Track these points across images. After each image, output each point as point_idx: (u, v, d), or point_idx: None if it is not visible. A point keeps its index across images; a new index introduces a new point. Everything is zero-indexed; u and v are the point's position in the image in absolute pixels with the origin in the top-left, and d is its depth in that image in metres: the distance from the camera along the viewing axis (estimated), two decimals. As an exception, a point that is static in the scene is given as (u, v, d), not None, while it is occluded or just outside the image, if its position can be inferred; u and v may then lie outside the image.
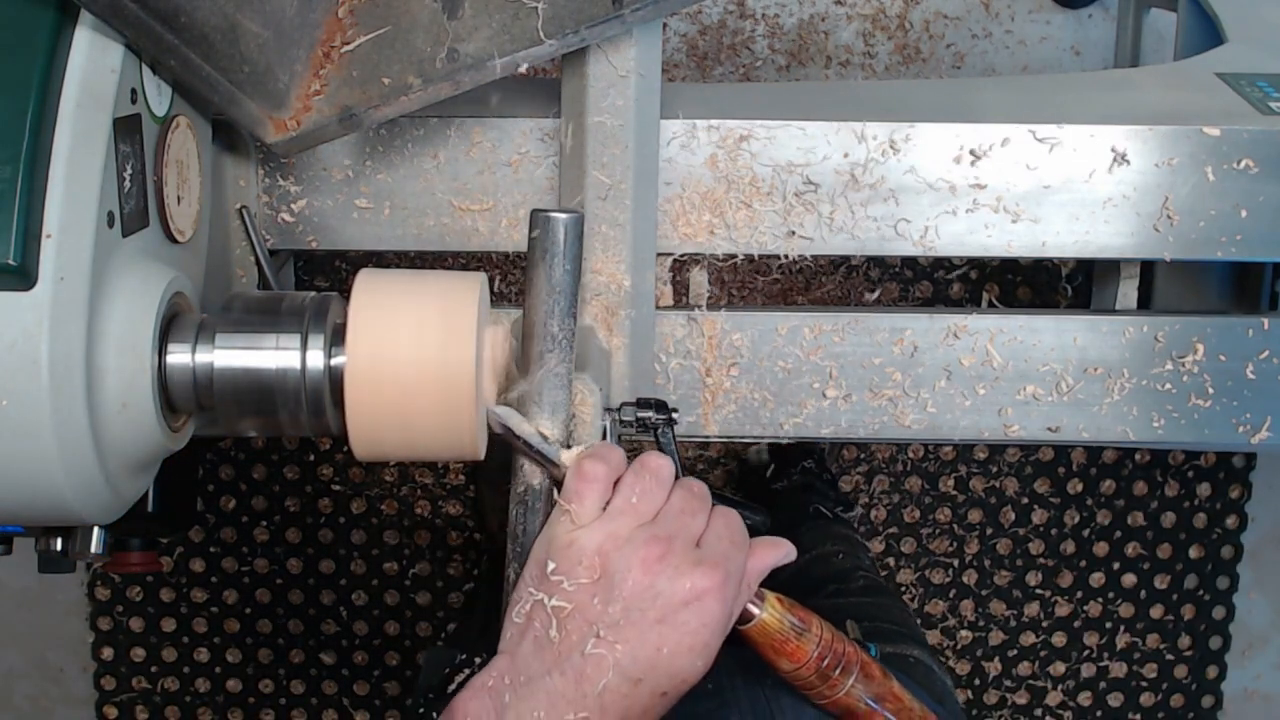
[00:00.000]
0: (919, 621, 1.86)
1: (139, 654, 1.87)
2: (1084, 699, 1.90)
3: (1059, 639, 1.87)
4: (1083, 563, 1.85)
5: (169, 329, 0.60)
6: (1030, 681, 1.89)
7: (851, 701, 0.63)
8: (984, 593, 1.86)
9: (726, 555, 0.57)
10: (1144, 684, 1.90)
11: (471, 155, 0.77)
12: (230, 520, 1.82)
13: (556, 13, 0.65)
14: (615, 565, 0.55)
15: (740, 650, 0.63)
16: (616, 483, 0.58)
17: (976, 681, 1.89)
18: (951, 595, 1.86)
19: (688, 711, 0.78)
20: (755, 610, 0.61)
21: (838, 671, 0.62)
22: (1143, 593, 1.86)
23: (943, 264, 1.75)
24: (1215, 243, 0.79)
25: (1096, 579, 1.85)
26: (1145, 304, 0.91)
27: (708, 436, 0.81)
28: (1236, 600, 1.88)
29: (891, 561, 1.84)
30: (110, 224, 0.57)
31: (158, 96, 0.62)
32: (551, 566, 0.56)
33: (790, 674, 0.62)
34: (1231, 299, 0.94)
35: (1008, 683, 1.90)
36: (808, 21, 1.72)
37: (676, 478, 0.60)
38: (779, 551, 0.62)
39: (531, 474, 0.60)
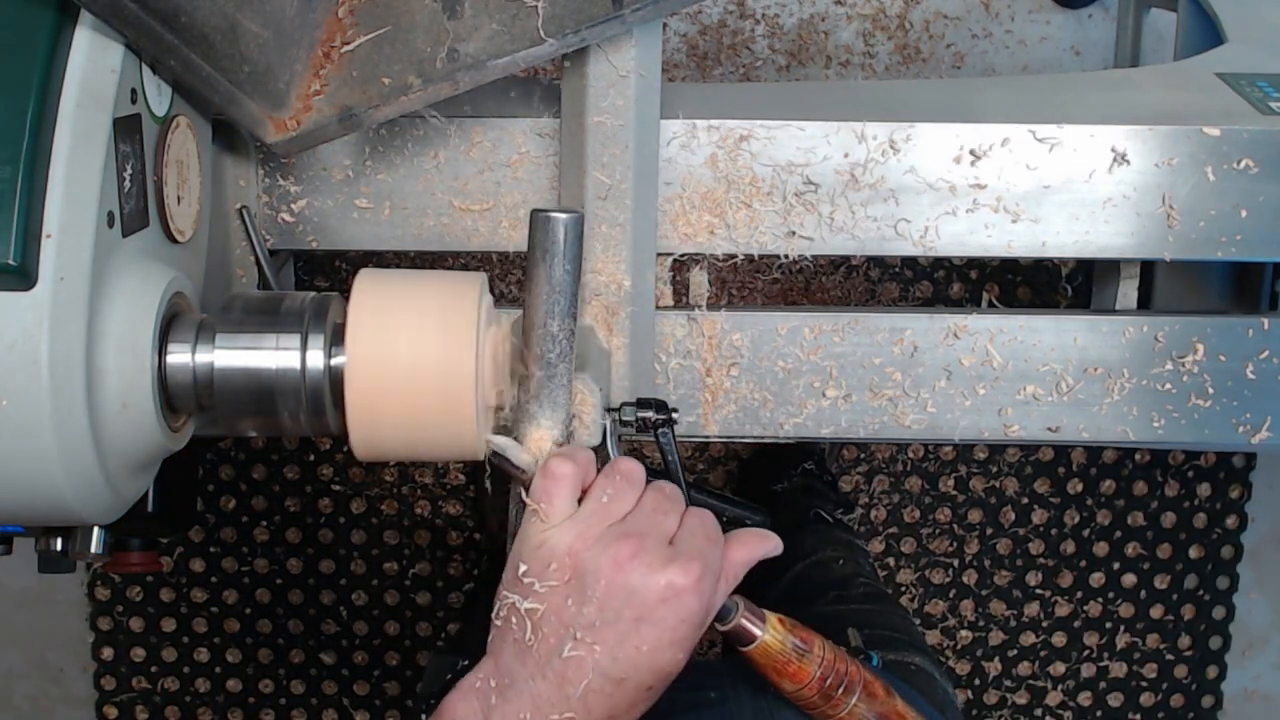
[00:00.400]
0: (919, 621, 1.86)
1: (139, 654, 1.87)
2: (1084, 699, 1.90)
3: (1059, 639, 1.87)
4: (1083, 563, 1.85)
5: (169, 329, 0.60)
6: (1030, 681, 1.89)
7: None
8: (984, 593, 1.86)
9: (701, 550, 0.57)
10: (1144, 684, 1.90)
11: (471, 155, 0.77)
12: (230, 520, 1.82)
13: (556, 13, 0.65)
14: (586, 565, 0.55)
15: (743, 660, 0.63)
16: (589, 487, 0.58)
17: (976, 681, 1.89)
18: (951, 595, 1.86)
19: None
20: (757, 632, 0.61)
21: (840, 691, 0.62)
22: (1143, 593, 1.86)
23: (943, 264, 1.75)
24: (1215, 243, 0.79)
25: (1096, 579, 1.85)
26: (1145, 304, 0.91)
27: (708, 436, 0.81)
28: (1236, 600, 1.88)
29: (891, 561, 1.84)
30: (110, 224, 0.57)
31: (158, 96, 0.62)
32: (523, 569, 0.56)
33: (793, 694, 0.62)
34: (1231, 299, 0.94)
35: (1008, 683, 1.90)
36: (808, 21, 1.72)
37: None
38: (765, 544, 0.61)
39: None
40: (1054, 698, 1.90)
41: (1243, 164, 0.77)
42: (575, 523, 0.56)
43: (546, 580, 0.55)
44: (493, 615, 0.57)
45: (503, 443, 0.60)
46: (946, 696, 0.91)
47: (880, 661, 0.66)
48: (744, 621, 0.61)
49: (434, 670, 1.00)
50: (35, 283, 0.52)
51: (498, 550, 1.79)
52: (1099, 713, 1.91)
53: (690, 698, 0.79)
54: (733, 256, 0.79)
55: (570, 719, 0.54)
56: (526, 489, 0.59)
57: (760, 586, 0.63)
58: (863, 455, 1.82)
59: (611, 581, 0.54)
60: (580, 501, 0.58)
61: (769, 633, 0.61)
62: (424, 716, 0.58)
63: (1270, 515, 1.86)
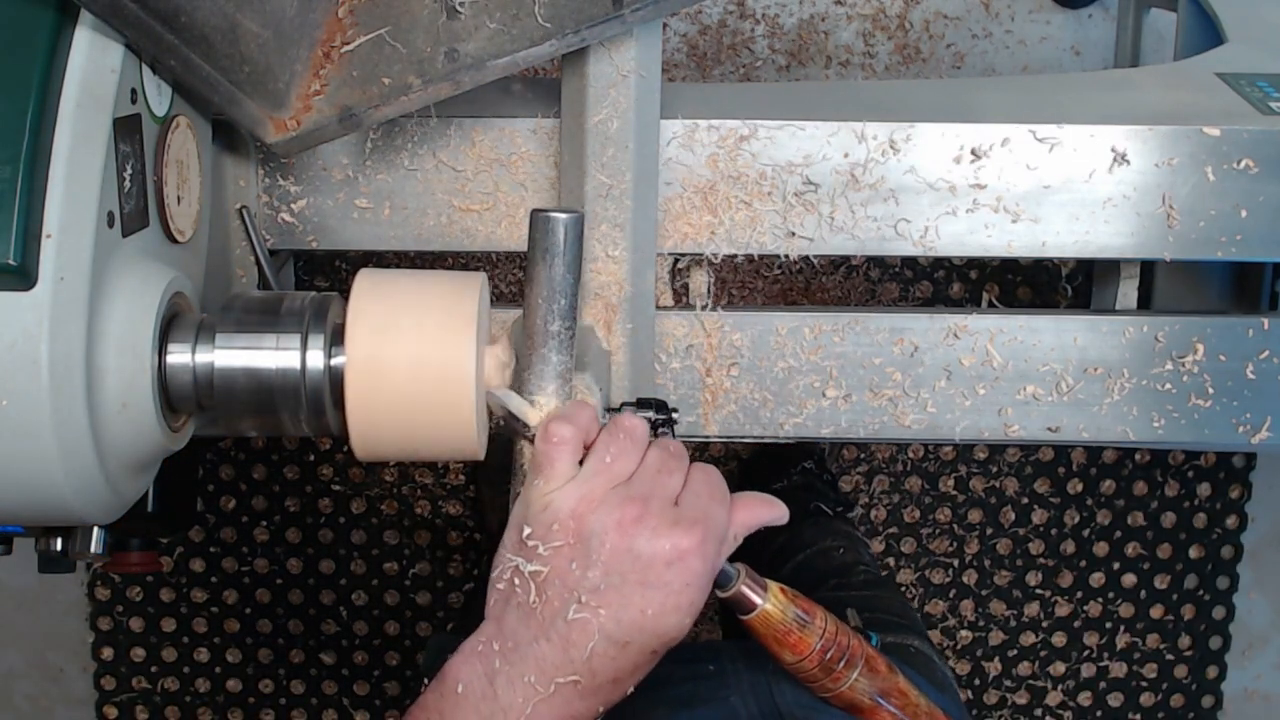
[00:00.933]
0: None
1: (139, 654, 1.87)
2: (1084, 699, 1.90)
3: (1059, 639, 1.87)
4: (1083, 563, 1.85)
5: (169, 329, 0.60)
6: (1030, 681, 1.89)
7: (855, 695, 0.62)
8: (984, 593, 1.86)
9: (706, 511, 0.57)
10: (1144, 684, 1.90)
11: (471, 155, 0.77)
12: (230, 520, 1.82)
13: (556, 13, 0.65)
14: (591, 528, 0.55)
15: (745, 642, 0.63)
16: (592, 445, 0.58)
17: (976, 681, 1.89)
18: (951, 595, 1.86)
19: (689, 692, 0.78)
20: (758, 600, 0.60)
21: (841, 665, 0.61)
22: (1143, 593, 1.86)
23: (943, 264, 1.75)
24: (1215, 243, 0.79)
25: (1096, 579, 1.85)
26: (1145, 304, 0.91)
27: (708, 436, 0.81)
28: (1236, 600, 1.88)
29: (891, 561, 1.84)
30: (110, 224, 0.57)
31: (158, 96, 0.62)
32: (527, 531, 0.56)
33: (793, 666, 0.62)
34: (1231, 299, 0.94)
35: (1008, 683, 1.90)
36: (808, 21, 1.72)
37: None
38: (770, 510, 0.61)
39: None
40: (1054, 698, 1.90)
41: (1243, 164, 0.77)
42: (579, 484, 0.56)
43: (550, 542, 0.55)
44: (492, 579, 0.57)
45: (504, 395, 0.60)
46: (945, 678, 0.91)
47: (879, 643, 0.66)
48: (745, 589, 0.60)
49: (435, 649, 0.99)
50: (35, 283, 0.52)
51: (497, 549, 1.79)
52: (1099, 713, 1.91)
53: (688, 670, 0.79)
54: (733, 256, 0.79)
55: (575, 681, 0.54)
56: (530, 442, 0.58)
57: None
58: (863, 455, 1.82)
59: (616, 545, 0.54)
60: (583, 460, 0.57)
61: (770, 601, 0.60)
62: (426, 681, 0.58)
63: (1270, 515, 1.86)
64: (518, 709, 0.54)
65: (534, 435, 0.59)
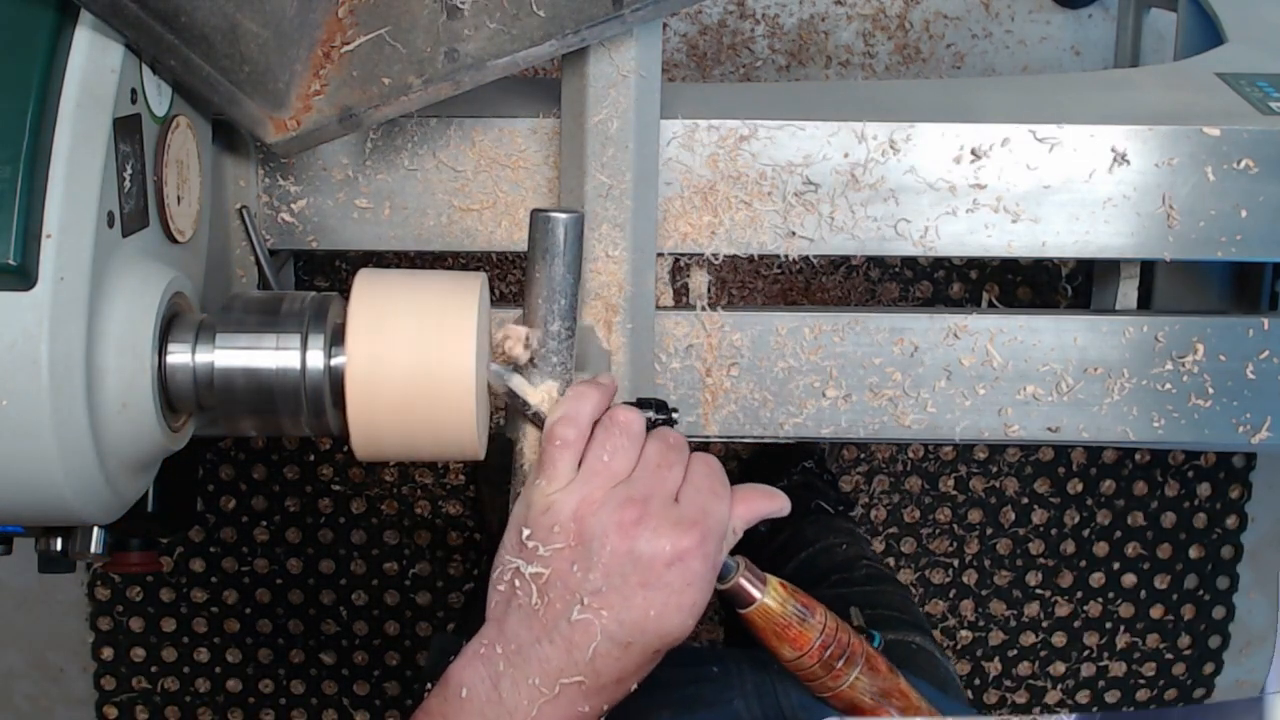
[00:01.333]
0: (919, 620, 1.86)
1: (139, 654, 1.87)
2: (1084, 698, 1.90)
3: (1059, 639, 1.87)
4: (1083, 563, 1.85)
5: (169, 329, 0.60)
6: (1030, 681, 1.89)
7: (855, 695, 0.62)
8: (984, 593, 1.86)
9: (706, 508, 0.56)
10: (1143, 684, 1.90)
11: (471, 155, 0.77)
12: (230, 520, 1.82)
13: (556, 13, 0.65)
14: (592, 530, 0.55)
15: (750, 649, 0.63)
16: (589, 444, 0.58)
17: (976, 681, 1.89)
18: (951, 595, 1.86)
19: (692, 694, 0.78)
20: (757, 594, 0.60)
21: (841, 662, 0.61)
22: (1143, 593, 1.86)
23: (943, 264, 1.75)
24: (1215, 243, 0.79)
25: (1096, 579, 1.85)
26: (1145, 304, 0.91)
27: (708, 437, 0.81)
28: (1236, 600, 1.88)
29: (891, 561, 1.84)
30: (110, 224, 0.57)
31: (158, 96, 0.62)
32: (527, 533, 0.56)
33: (793, 662, 0.62)
34: (1231, 299, 0.94)
35: (1008, 683, 1.90)
36: (808, 21, 1.72)
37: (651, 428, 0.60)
38: (771, 503, 0.61)
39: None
40: (1054, 697, 1.90)
41: (1243, 164, 0.77)
42: (579, 486, 0.56)
43: (551, 544, 0.55)
44: (492, 580, 0.57)
45: (506, 373, 0.60)
46: (948, 674, 0.91)
47: (882, 642, 0.66)
48: (743, 582, 0.60)
49: (438, 649, 0.99)
50: (35, 283, 0.52)
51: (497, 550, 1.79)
52: (1097, 710, 1.91)
53: (692, 673, 0.80)
54: (733, 256, 0.79)
55: (579, 682, 0.54)
56: (535, 425, 0.59)
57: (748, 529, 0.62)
58: (863, 455, 1.82)
59: (617, 547, 0.54)
60: (582, 460, 0.57)
61: (769, 595, 0.60)
62: (429, 685, 0.58)
63: (1270, 515, 1.86)
64: (523, 711, 0.54)
65: (534, 413, 0.59)
